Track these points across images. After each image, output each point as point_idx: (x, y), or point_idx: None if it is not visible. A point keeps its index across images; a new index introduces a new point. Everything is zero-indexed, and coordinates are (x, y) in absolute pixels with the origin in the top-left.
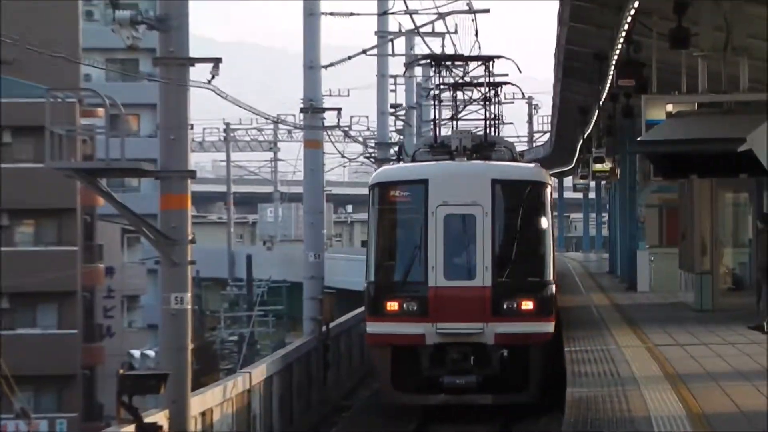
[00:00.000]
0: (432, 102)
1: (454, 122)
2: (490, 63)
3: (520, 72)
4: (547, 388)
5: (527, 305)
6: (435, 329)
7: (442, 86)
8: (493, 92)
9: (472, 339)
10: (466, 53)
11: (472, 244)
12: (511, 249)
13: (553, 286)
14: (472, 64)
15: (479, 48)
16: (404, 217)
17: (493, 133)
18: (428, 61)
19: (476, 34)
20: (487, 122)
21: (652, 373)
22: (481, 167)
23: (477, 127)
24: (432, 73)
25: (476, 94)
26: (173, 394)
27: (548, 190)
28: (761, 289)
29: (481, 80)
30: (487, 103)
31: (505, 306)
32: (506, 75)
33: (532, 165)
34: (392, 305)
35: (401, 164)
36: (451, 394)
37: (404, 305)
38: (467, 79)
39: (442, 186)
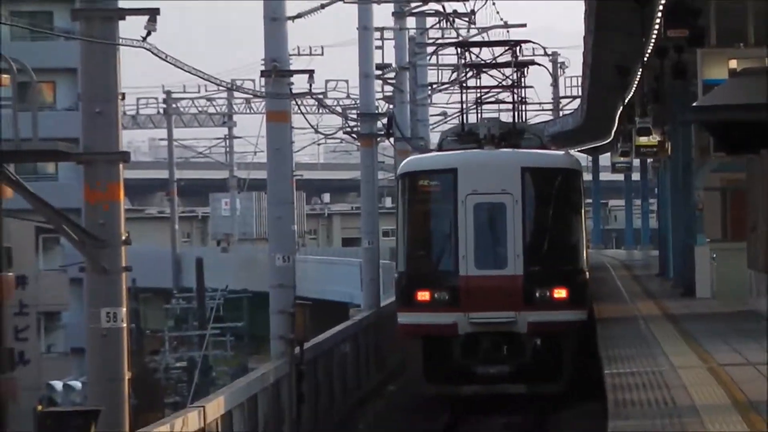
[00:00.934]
0: (454, 85)
1: (479, 107)
2: (517, 48)
3: (547, 55)
4: (580, 377)
5: (560, 293)
6: (467, 318)
7: (467, 69)
8: (519, 74)
9: (505, 328)
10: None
11: (502, 232)
12: (543, 237)
13: (587, 274)
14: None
15: None
16: (434, 207)
17: (520, 118)
18: (435, 20)
19: None
20: (515, 107)
21: (718, 401)
22: (510, 155)
23: (501, 110)
24: (457, 59)
25: (500, 74)
26: None
27: (580, 177)
28: None
29: (506, 60)
30: (514, 87)
31: (537, 294)
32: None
33: (562, 152)
34: (423, 295)
35: (430, 153)
36: (484, 384)
37: (435, 295)
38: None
39: (471, 175)
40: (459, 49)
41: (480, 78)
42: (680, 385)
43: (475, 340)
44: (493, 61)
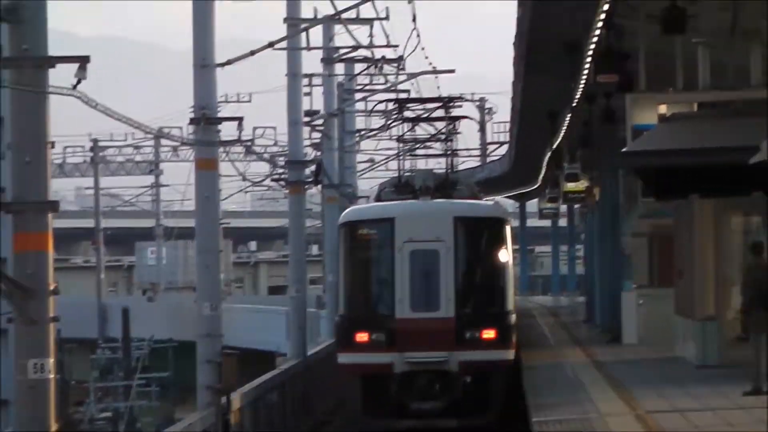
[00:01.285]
0: (382, 132)
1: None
2: (451, 105)
3: (474, 101)
4: (508, 412)
5: (489, 334)
6: (402, 358)
7: (403, 123)
8: (452, 128)
9: (438, 367)
10: (401, 44)
11: (436, 277)
12: (473, 282)
13: (513, 315)
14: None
15: (418, 36)
16: (372, 254)
17: (451, 169)
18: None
19: (414, 20)
20: (447, 159)
21: None
22: (443, 206)
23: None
24: (386, 108)
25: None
26: None
27: (507, 226)
28: (757, 342)
29: (440, 115)
30: (447, 140)
31: (467, 335)
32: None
33: (491, 203)
34: (362, 336)
35: (369, 204)
36: (418, 419)
37: (373, 336)
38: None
39: (407, 224)
40: (396, 104)
41: (414, 130)
42: None
43: (410, 378)
44: (428, 116)
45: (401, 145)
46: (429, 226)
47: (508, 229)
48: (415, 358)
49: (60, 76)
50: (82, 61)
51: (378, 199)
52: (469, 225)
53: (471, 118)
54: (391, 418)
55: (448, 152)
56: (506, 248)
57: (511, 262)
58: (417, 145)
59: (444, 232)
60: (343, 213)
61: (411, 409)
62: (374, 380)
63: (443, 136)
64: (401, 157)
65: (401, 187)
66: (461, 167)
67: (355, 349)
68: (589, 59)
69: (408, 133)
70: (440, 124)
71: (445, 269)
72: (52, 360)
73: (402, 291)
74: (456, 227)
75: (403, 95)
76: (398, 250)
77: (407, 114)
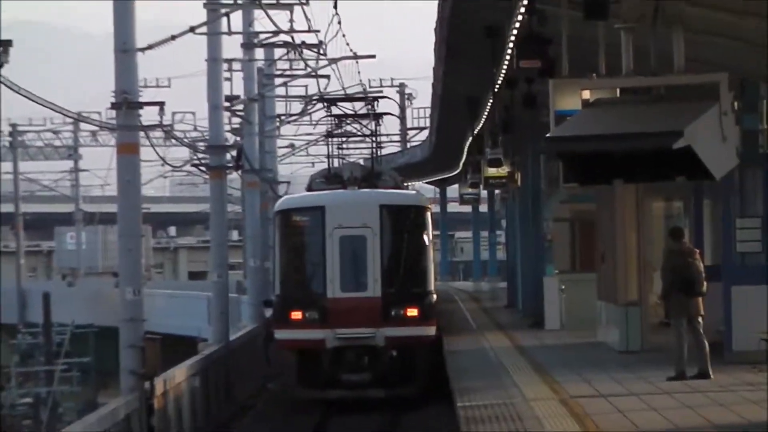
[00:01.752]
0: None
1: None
2: (375, 102)
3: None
4: (431, 383)
5: (412, 312)
6: (334, 334)
7: (330, 121)
8: (376, 124)
9: (366, 342)
10: (323, 29)
11: (363, 260)
12: (398, 264)
13: (434, 295)
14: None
15: (339, 21)
16: (305, 239)
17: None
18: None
19: (335, 6)
20: (373, 152)
21: None
22: (370, 195)
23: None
24: (325, 112)
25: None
26: None
27: (428, 213)
28: (677, 327)
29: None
30: (373, 135)
31: (393, 313)
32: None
33: (414, 192)
34: (296, 314)
35: (302, 194)
36: (349, 390)
37: (307, 314)
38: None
39: (336, 211)
40: (325, 103)
41: (341, 125)
42: (533, 416)
43: (341, 352)
44: (355, 113)
45: (330, 140)
46: (356, 213)
47: (428, 216)
48: (346, 334)
49: None
50: (4, 45)
51: (309, 188)
52: (393, 212)
53: (394, 115)
54: (323, 389)
55: (373, 146)
56: (427, 233)
57: (431, 246)
58: (344, 140)
59: (370, 219)
60: (278, 201)
61: (342, 380)
62: (308, 354)
63: (368, 132)
64: (331, 152)
65: (331, 177)
66: (382, 152)
67: (291, 326)
68: (510, 44)
69: (334, 128)
70: (365, 118)
71: (372, 253)
72: None
73: (333, 273)
74: (381, 214)
75: (323, 81)
76: (329, 236)
77: (334, 110)
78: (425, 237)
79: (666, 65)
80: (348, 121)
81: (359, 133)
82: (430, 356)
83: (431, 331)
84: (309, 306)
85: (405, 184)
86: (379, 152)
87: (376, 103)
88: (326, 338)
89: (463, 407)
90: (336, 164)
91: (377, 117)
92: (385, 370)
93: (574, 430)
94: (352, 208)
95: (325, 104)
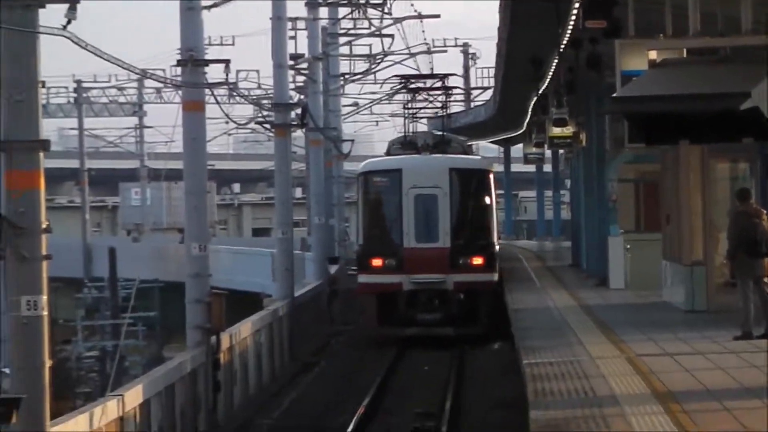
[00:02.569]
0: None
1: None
2: (446, 79)
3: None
4: (493, 323)
5: (477, 261)
6: (409, 279)
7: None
8: (446, 98)
9: (437, 286)
10: None
11: (435, 216)
12: (464, 219)
13: (497, 247)
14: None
15: None
16: (385, 197)
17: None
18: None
19: None
20: (443, 121)
21: (637, 391)
22: (440, 159)
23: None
24: (399, 86)
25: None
26: (27, 424)
27: (491, 175)
28: (744, 287)
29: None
30: (443, 108)
31: (460, 261)
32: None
33: (478, 157)
34: (377, 262)
35: (382, 157)
36: (423, 327)
37: (386, 262)
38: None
39: (412, 174)
40: (401, 80)
41: (414, 97)
42: (599, 374)
43: (415, 295)
44: (427, 88)
45: (405, 111)
46: (429, 175)
47: (491, 178)
48: (419, 279)
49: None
50: (73, 1)
51: (387, 153)
52: (460, 175)
53: (462, 89)
54: (401, 327)
55: (443, 117)
56: (490, 194)
57: (494, 204)
58: (418, 110)
59: (441, 181)
60: (362, 164)
61: (416, 319)
62: (387, 297)
63: (439, 105)
64: (407, 121)
65: (406, 144)
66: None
67: (372, 272)
68: (576, 5)
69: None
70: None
71: (442, 209)
72: (45, 297)
73: (408, 226)
74: (451, 176)
75: (387, 39)
76: (405, 194)
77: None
78: (488, 197)
79: (733, 27)
80: (420, 95)
81: (431, 106)
82: (493, 300)
83: (494, 277)
84: (388, 255)
85: (471, 149)
86: (447, 121)
87: (446, 79)
88: (402, 282)
89: (529, 364)
90: (409, 130)
91: (447, 91)
92: (453, 312)
93: (640, 388)
94: (426, 170)
95: (402, 80)
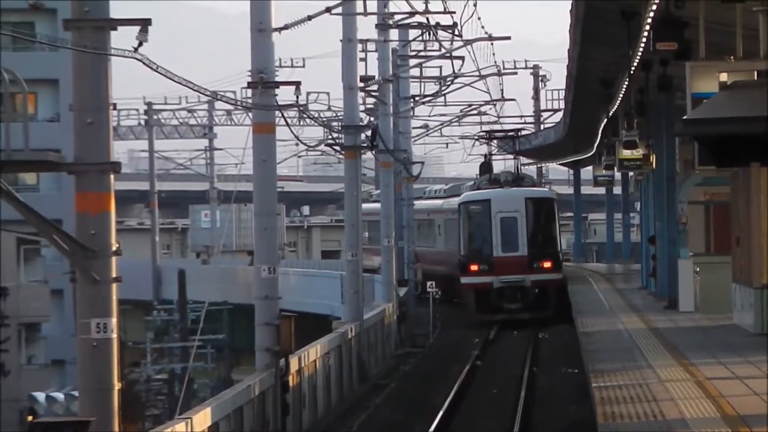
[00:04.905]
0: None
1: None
2: (518, 132)
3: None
4: (558, 310)
5: (547, 264)
6: (498, 279)
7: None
8: (517, 141)
9: (518, 284)
10: (458, 11)
11: (515, 232)
12: (537, 234)
13: (561, 254)
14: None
15: (475, 4)
16: (478, 220)
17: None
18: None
19: None
20: (516, 163)
21: (707, 415)
22: (518, 191)
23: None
24: (490, 146)
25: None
26: None
27: (555, 202)
28: None
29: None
30: (517, 154)
31: (535, 265)
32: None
33: (546, 189)
34: (474, 267)
35: (475, 191)
36: (508, 314)
37: (481, 267)
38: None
39: (498, 202)
40: (488, 136)
41: (491, 143)
42: (669, 398)
43: (502, 290)
44: (502, 133)
45: (488, 157)
46: (511, 203)
47: (555, 204)
48: (505, 278)
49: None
50: (144, 23)
51: (477, 188)
52: (533, 202)
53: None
54: (492, 313)
55: (517, 160)
56: (555, 215)
57: (558, 224)
58: (492, 153)
59: (519, 207)
60: (461, 196)
61: (503, 308)
62: (481, 292)
63: (511, 140)
64: (487, 161)
65: (492, 181)
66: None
67: (471, 274)
68: (647, 27)
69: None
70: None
71: (521, 228)
72: (114, 319)
73: (496, 240)
74: (526, 204)
75: (457, 62)
76: (493, 217)
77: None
78: (554, 218)
79: None
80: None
81: (504, 150)
82: (559, 292)
83: (559, 276)
84: (482, 261)
85: (539, 183)
86: (520, 160)
87: (517, 133)
88: (493, 282)
89: (598, 387)
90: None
91: (515, 137)
92: (530, 302)
93: (710, 412)
94: (508, 200)
95: (484, 135)
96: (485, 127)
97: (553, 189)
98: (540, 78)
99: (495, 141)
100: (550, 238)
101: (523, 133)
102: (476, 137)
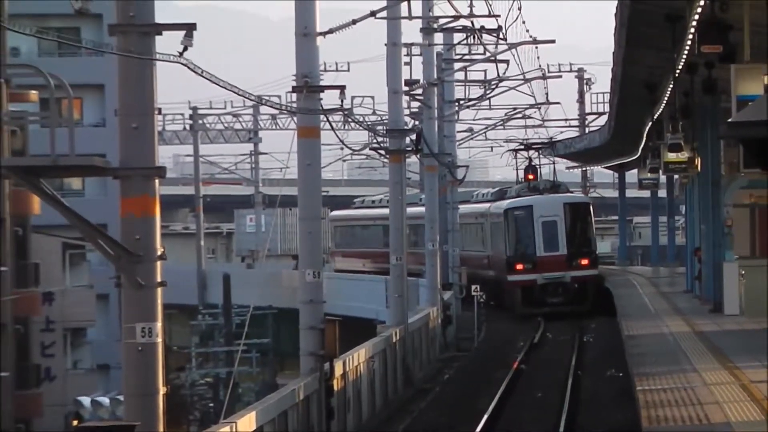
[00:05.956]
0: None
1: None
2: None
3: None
4: (596, 305)
5: (585, 262)
6: (541, 276)
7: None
8: (554, 156)
9: (559, 280)
10: (503, 14)
11: (556, 234)
12: (575, 236)
13: (596, 253)
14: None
15: (519, 8)
16: (522, 223)
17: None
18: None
19: None
20: (554, 174)
21: (752, 418)
22: (558, 197)
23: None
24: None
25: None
26: None
27: (590, 206)
28: None
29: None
30: (554, 164)
31: (573, 263)
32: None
33: (581, 195)
34: (519, 266)
35: (517, 198)
36: (550, 307)
37: (526, 265)
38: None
39: (540, 207)
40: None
41: (529, 153)
42: (713, 401)
43: (545, 286)
44: (539, 144)
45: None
46: (551, 208)
47: (591, 208)
48: (548, 275)
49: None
50: (189, 28)
51: (518, 195)
52: (571, 207)
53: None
54: (536, 307)
55: (554, 175)
56: (590, 218)
57: (593, 225)
58: (531, 162)
59: (558, 211)
60: (504, 203)
61: (546, 302)
62: (526, 288)
63: (550, 147)
64: (529, 169)
65: (532, 188)
66: (560, 137)
67: (517, 272)
68: (692, 30)
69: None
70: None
71: (560, 230)
72: (159, 324)
73: (539, 241)
74: (564, 208)
75: (502, 65)
76: (536, 221)
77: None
78: (590, 221)
79: None
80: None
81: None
82: (595, 288)
83: (596, 272)
84: (527, 261)
85: (571, 191)
86: (563, 148)
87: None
88: (537, 278)
89: (642, 391)
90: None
91: (550, 145)
92: (570, 296)
93: (756, 415)
94: (548, 205)
95: (522, 147)
96: (530, 131)
97: (586, 195)
98: (585, 81)
99: (532, 150)
100: (586, 239)
101: (558, 138)
102: (513, 150)
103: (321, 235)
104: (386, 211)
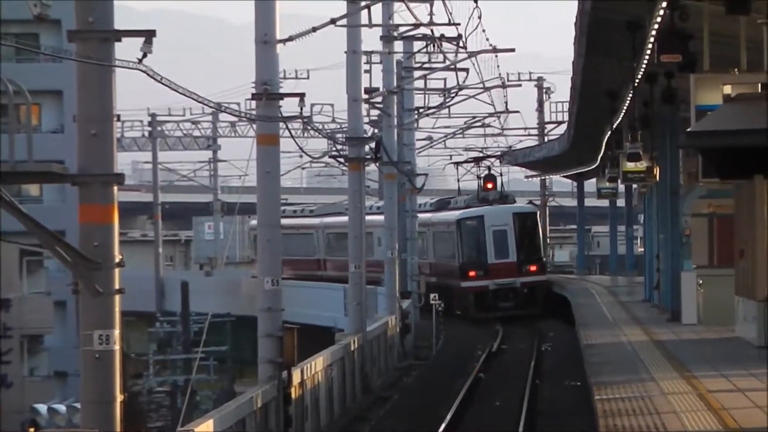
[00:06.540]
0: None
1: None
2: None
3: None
4: (545, 308)
5: (534, 268)
6: (493, 282)
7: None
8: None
9: (510, 285)
10: (463, 23)
11: (506, 242)
12: (524, 243)
13: (544, 259)
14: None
15: (479, 16)
16: (474, 233)
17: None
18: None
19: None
20: (502, 185)
21: (709, 428)
22: (507, 207)
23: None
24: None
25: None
26: None
27: (537, 215)
28: None
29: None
30: (502, 175)
31: (523, 269)
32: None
33: (529, 205)
34: (472, 273)
35: (471, 208)
36: (502, 311)
37: (478, 272)
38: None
39: (490, 217)
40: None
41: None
42: (671, 411)
43: (497, 292)
44: (490, 174)
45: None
46: (501, 217)
47: (538, 217)
48: (499, 281)
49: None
50: (148, 35)
51: (468, 207)
52: (519, 216)
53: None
54: (488, 311)
55: (501, 186)
56: (538, 227)
57: (540, 234)
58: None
59: (508, 220)
60: (459, 213)
61: (498, 307)
62: (479, 294)
63: (499, 173)
64: (482, 181)
65: (482, 199)
66: (519, 146)
67: (469, 279)
68: (651, 39)
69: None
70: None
71: (510, 238)
72: (117, 331)
73: (490, 248)
74: (513, 218)
75: (462, 73)
76: (487, 230)
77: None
78: (537, 229)
79: None
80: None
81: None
82: (544, 292)
83: (545, 277)
84: (479, 268)
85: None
86: (519, 157)
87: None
88: (489, 284)
89: (601, 400)
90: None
91: (490, 158)
92: (521, 301)
93: (712, 425)
94: (498, 214)
95: (470, 160)
96: (489, 140)
97: (533, 205)
98: (544, 90)
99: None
100: (535, 246)
101: (517, 147)
102: (458, 164)
103: (280, 242)
104: (311, 221)
